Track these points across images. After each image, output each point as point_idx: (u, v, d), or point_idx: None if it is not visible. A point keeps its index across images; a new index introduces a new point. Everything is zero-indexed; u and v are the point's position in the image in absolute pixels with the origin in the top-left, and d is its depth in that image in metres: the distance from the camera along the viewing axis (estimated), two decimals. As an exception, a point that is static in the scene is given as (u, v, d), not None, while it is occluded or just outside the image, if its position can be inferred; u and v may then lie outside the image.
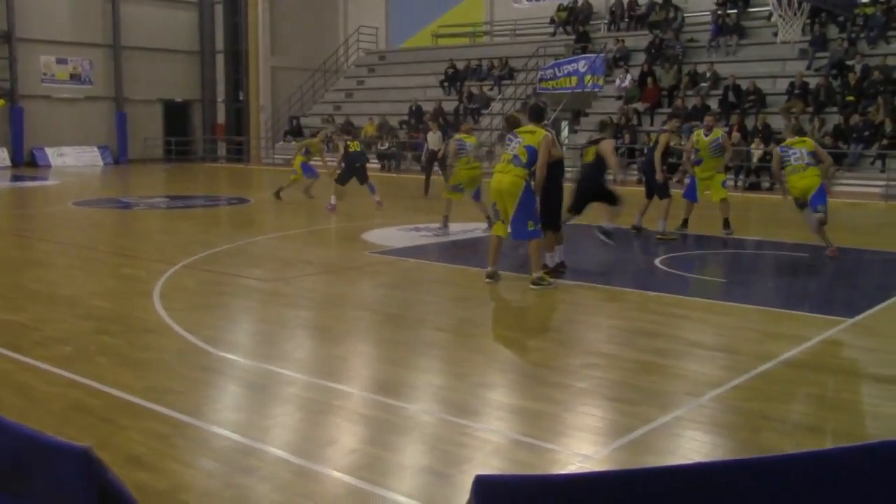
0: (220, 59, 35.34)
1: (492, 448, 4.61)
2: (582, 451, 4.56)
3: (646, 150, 23.05)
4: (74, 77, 32.47)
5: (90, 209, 16.66)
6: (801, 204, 10.78)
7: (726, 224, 12.46)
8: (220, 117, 35.84)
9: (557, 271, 9.19)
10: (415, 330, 7.30)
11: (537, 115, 9.04)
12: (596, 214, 11.57)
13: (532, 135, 8.64)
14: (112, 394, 5.35)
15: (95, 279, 9.66)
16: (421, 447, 4.68)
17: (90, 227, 14.31)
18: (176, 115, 35.49)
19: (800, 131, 11.95)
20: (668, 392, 5.53)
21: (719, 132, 12.60)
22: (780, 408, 5.30)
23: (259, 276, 9.46)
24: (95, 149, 32.54)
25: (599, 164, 10.65)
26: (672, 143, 14.13)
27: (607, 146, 10.32)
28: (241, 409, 5.30)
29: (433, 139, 19.66)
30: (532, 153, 8.51)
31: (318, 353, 6.64)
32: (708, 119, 12.97)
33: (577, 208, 10.95)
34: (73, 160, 31.33)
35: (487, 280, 8.86)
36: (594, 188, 10.68)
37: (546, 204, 8.92)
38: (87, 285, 9.13)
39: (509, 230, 8.63)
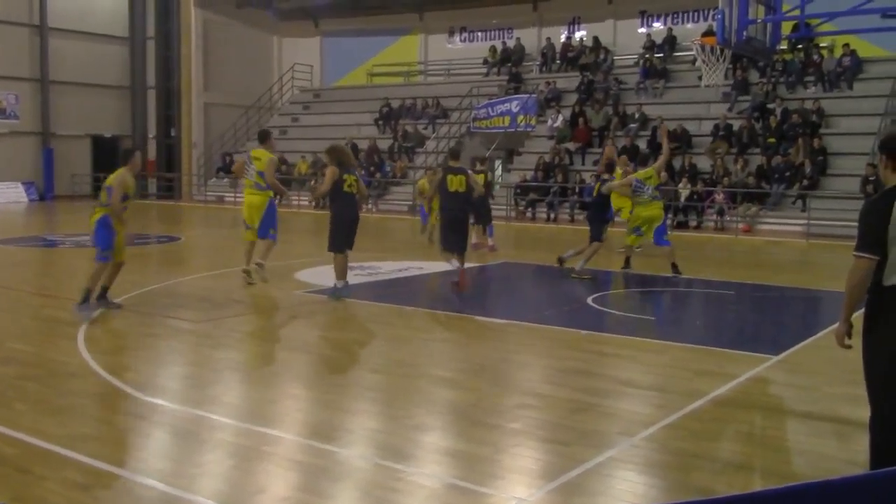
0: (151, 95, 34.85)
1: (426, 494, 4.57)
2: (517, 494, 4.55)
3: (584, 193, 23.48)
4: (-1, 111, 31.67)
5: (13, 247, 16.17)
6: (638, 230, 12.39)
7: (626, 263, 13.08)
8: (151, 153, 35.27)
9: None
10: (348, 371, 7.22)
11: (454, 154, 11.57)
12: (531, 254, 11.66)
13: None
14: (30, 442, 5.15)
15: (16, 321, 9.33)
16: (355, 493, 4.61)
17: (12, 266, 13.87)
18: (105, 151, 34.69)
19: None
20: (602, 432, 5.56)
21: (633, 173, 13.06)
22: (710, 446, 5.38)
23: (188, 317, 9.26)
24: (20, 185, 31.65)
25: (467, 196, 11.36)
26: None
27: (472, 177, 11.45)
28: (168, 456, 5.15)
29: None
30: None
31: (249, 396, 6.51)
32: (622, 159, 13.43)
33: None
34: (-3, 197, 30.45)
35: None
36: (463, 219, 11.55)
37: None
38: (6, 327, 8.81)
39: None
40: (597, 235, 12.63)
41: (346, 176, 10.31)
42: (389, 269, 12.77)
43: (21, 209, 28.55)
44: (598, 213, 12.81)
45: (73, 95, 33.15)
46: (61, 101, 32.84)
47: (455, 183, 11.08)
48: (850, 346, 4.46)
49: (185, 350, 8.06)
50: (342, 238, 10.42)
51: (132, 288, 10.95)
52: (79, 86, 33.31)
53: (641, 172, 12.82)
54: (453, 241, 11.11)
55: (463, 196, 11.12)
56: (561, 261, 12.92)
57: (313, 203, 26.31)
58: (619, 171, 13.53)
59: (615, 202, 13.94)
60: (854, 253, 4.29)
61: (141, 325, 8.87)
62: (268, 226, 11.14)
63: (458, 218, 11.18)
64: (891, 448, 4.19)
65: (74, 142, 33.62)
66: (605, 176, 13.01)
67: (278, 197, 12.40)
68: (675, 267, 12.42)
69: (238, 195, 29.45)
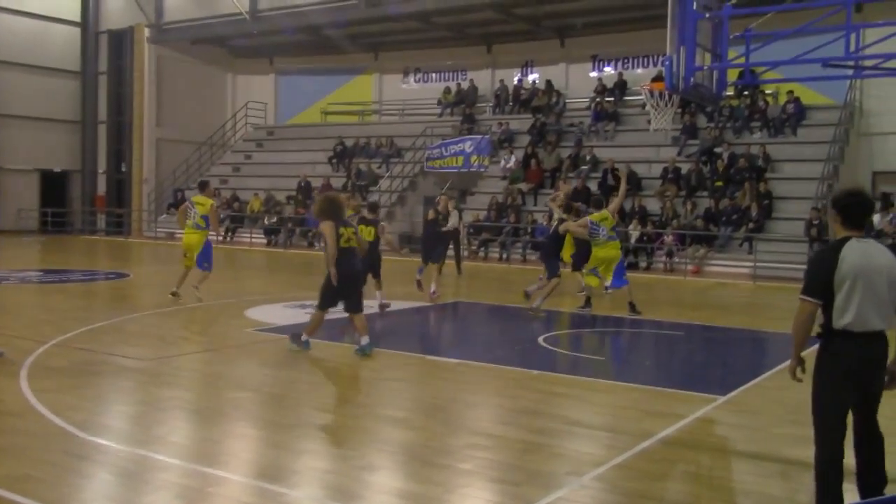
0: (102, 130, 34.49)
1: (374, 534, 4.51)
2: (465, 534, 4.52)
3: (536, 233, 23.68)
4: (-57, 144, 31.03)
5: (-46, 283, 15.76)
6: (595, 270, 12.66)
7: (586, 303, 13.13)
8: (101, 189, 34.81)
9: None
10: (296, 410, 7.15)
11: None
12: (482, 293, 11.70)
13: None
14: (-33, 484, 4.99)
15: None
16: (300, 535, 4.54)
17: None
18: (53, 186, 34.24)
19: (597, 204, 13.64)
20: (551, 472, 5.57)
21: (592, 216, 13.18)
22: (659, 486, 5.41)
23: (135, 355, 9.10)
24: (-36, 218, 31.01)
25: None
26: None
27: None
28: (110, 497, 5.03)
29: (453, 217, 19.32)
30: None
31: (195, 436, 6.40)
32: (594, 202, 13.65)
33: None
34: (-61, 230, 29.73)
35: None
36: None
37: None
38: (-55, 365, 8.56)
39: None
40: (554, 271, 12.86)
41: (342, 230, 9.19)
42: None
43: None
44: (555, 250, 13.00)
45: (21, 129, 32.67)
46: (10, 134, 32.33)
47: (365, 234, 11.27)
48: (800, 380, 4.77)
49: (130, 388, 7.90)
50: (332, 298, 9.36)
51: (78, 325, 10.74)
52: (29, 119, 32.86)
53: (596, 215, 12.99)
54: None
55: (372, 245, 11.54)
56: (527, 294, 13.08)
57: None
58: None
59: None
60: (800, 296, 4.64)
61: (86, 363, 8.69)
62: (202, 259, 13.32)
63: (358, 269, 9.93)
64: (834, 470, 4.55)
65: (22, 176, 33.06)
66: (563, 215, 13.20)
67: (218, 235, 14.35)
68: (632, 306, 12.59)
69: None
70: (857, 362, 4.51)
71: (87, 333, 10.31)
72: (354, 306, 9.42)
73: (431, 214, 15.24)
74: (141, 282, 17.41)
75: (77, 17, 34.61)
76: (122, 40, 33.40)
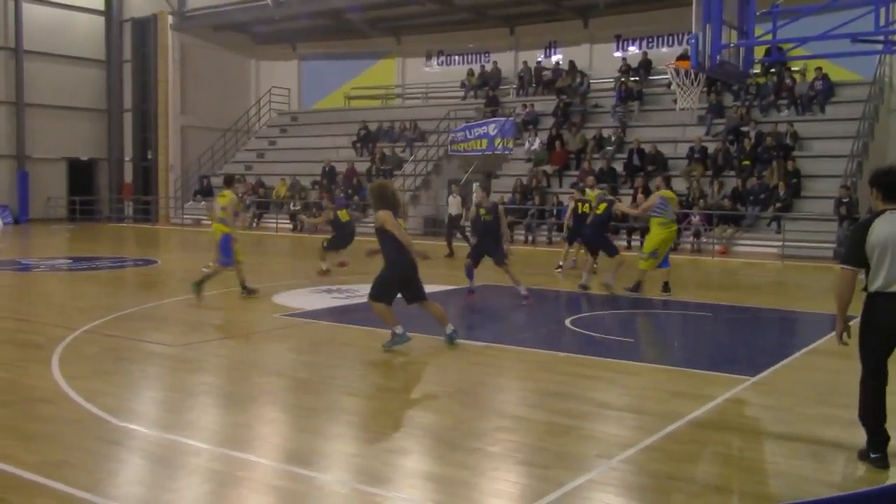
0: (127, 118, 34.75)
1: (403, 517, 4.53)
2: (494, 517, 4.53)
3: (561, 215, 23.58)
4: (-27, 134, 31.40)
5: (-14, 271, 15.98)
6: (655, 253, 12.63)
7: (636, 285, 12.94)
8: (128, 176, 35.11)
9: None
10: (324, 395, 7.18)
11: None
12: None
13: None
14: (3, 469, 5.07)
15: (-11, 346, 9.21)
16: (330, 518, 4.56)
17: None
18: (81, 174, 34.59)
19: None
20: (579, 455, 5.56)
21: (657, 193, 13.03)
22: (688, 468, 5.38)
23: (164, 341, 9.19)
24: (-6, 208, 31.41)
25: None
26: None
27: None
28: (142, 482, 5.09)
29: (454, 203, 19.82)
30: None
31: (224, 421, 6.46)
32: (657, 180, 13.55)
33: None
34: (-30, 220, 30.11)
35: None
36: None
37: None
38: (-21, 352, 8.69)
39: None
40: (614, 250, 13.26)
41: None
42: (367, 291, 12.72)
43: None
44: (604, 231, 13.50)
45: (48, 118, 32.97)
46: (37, 124, 32.64)
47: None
48: (846, 344, 5.42)
49: (160, 374, 7.98)
50: (390, 290, 8.87)
51: (107, 312, 10.85)
52: (55, 109, 33.15)
53: (666, 192, 12.87)
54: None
55: None
56: (607, 285, 12.93)
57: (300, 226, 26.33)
58: (591, 192, 13.80)
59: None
60: (839, 265, 5.52)
61: (116, 350, 8.79)
62: (221, 253, 12.35)
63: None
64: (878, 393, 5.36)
65: (50, 165, 33.40)
66: (611, 197, 13.33)
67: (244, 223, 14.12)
68: (666, 285, 12.71)
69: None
70: (889, 319, 5.22)
71: (116, 320, 10.42)
72: (418, 295, 8.96)
73: (474, 211, 14.60)
74: (169, 268, 17.55)
75: (101, 6, 34.81)
76: (145, 28, 33.55)
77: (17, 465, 5.11)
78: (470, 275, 13.01)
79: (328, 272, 15.14)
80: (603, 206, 13.17)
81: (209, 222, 14.19)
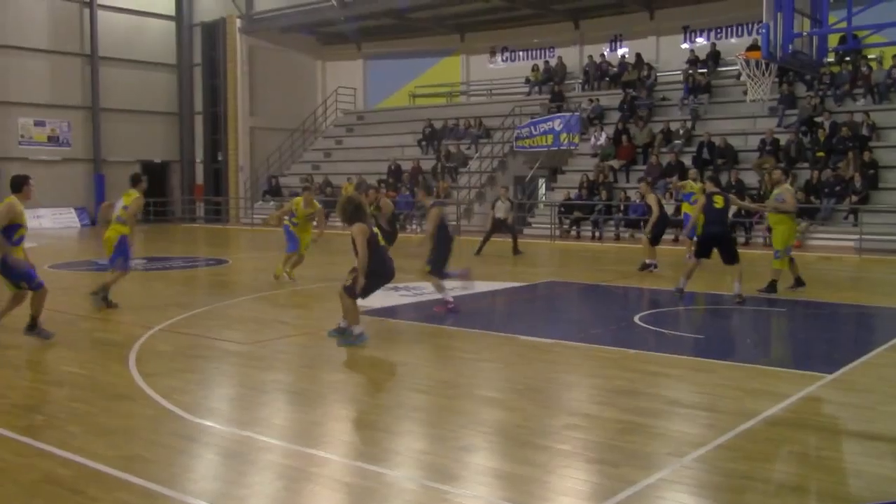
0: (198, 120, 35.54)
1: (473, 515, 4.53)
2: (565, 516, 4.49)
3: (630, 210, 23.31)
4: (52, 139, 32.48)
5: (65, 272, 16.51)
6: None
7: (770, 285, 12.47)
8: (199, 178, 35.89)
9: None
10: (394, 392, 7.22)
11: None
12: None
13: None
14: (83, 463, 5.23)
15: (68, 344, 9.49)
16: (401, 515, 4.58)
17: (65, 290, 14.13)
18: (154, 176, 35.34)
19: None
20: (651, 453, 5.48)
21: (783, 188, 12.62)
22: (763, 467, 5.26)
23: (236, 339, 9.36)
24: (73, 210, 32.38)
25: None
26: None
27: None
28: (217, 477, 5.19)
29: (502, 208, 19.56)
30: None
31: (296, 417, 6.54)
32: (776, 174, 13.08)
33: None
34: (50, 222, 31.06)
35: None
36: None
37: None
38: (58, 351, 8.96)
39: None
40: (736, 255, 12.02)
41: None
42: (432, 288, 12.76)
43: (73, 234, 29.19)
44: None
45: (122, 122, 33.93)
46: (112, 127, 33.62)
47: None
48: None
49: (232, 372, 8.13)
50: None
51: (181, 311, 11.10)
52: (128, 113, 34.08)
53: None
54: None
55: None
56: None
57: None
58: (696, 185, 13.42)
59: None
60: None
61: (190, 348, 8.98)
62: (115, 255, 11.38)
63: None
64: None
65: (125, 167, 34.24)
66: (715, 189, 12.39)
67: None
68: (799, 280, 12.71)
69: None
70: None
71: (190, 318, 10.65)
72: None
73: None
74: (239, 267, 17.87)
75: (171, 12, 35.65)
76: (214, 32, 34.24)
77: (96, 460, 5.25)
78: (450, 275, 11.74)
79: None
80: (720, 199, 12.07)
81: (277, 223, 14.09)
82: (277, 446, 5.68)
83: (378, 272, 8.90)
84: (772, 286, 12.44)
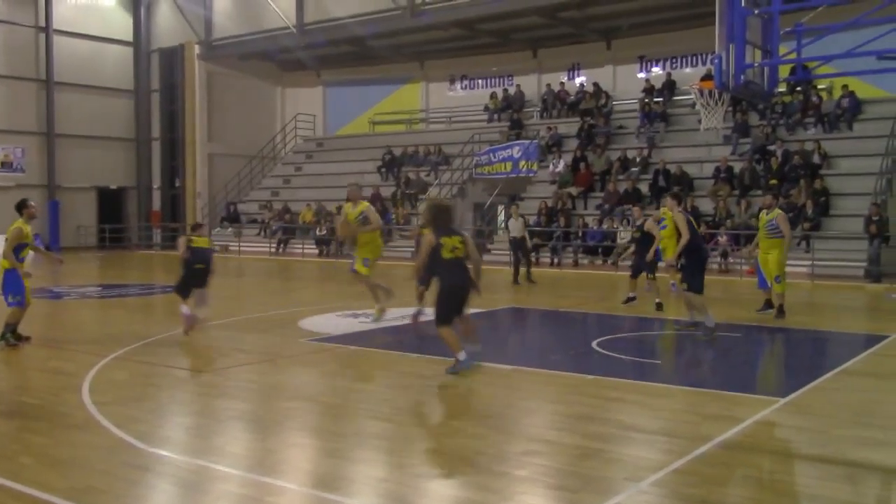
0: (156, 146, 35.25)
1: (432, 542, 4.51)
2: (523, 542, 4.49)
3: (587, 237, 23.52)
4: (6, 165, 32.00)
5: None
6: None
7: (779, 309, 12.74)
8: (156, 204, 35.53)
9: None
10: (352, 420, 7.18)
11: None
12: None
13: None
14: (34, 496, 5.12)
15: (20, 373, 9.33)
16: (359, 543, 4.55)
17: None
18: (110, 202, 35.09)
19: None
20: (609, 478, 5.51)
21: (776, 213, 12.83)
22: (720, 491, 5.32)
23: (193, 367, 9.25)
24: (25, 237, 31.81)
25: None
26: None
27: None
28: (172, 508, 5.11)
29: (516, 226, 18.83)
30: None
31: (253, 446, 6.47)
32: (767, 199, 13.36)
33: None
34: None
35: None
36: None
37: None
38: (11, 380, 8.80)
39: None
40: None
41: (443, 239, 8.56)
42: (393, 315, 12.75)
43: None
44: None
45: (78, 148, 33.55)
46: (67, 153, 33.23)
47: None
48: None
49: (188, 400, 8.03)
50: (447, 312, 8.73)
51: (137, 339, 10.95)
52: (84, 138, 33.73)
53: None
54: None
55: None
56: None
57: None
58: (776, 210, 12.97)
59: (664, 243, 13.63)
60: None
61: (145, 376, 8.85)
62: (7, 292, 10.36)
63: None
64: None
65: (80, 194, 33.90)
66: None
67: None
68: (779, 308, 12.80)
69: (242, 244, 29.61)
70: None
71: (145, 346, 10.50)
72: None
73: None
74: (197, 295, 17.65)
75: (129, 37, 35.44)
76: (173, 58, 34.09)
77: (48, 491, 5.15)
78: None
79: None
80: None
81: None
82: (234, 475, 5.61)
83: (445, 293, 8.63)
84: (780, 311, 12.73)
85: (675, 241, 12.17)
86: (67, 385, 8.28)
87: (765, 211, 13.02)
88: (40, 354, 10.32)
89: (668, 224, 13.31)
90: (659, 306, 13.41)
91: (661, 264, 14.08)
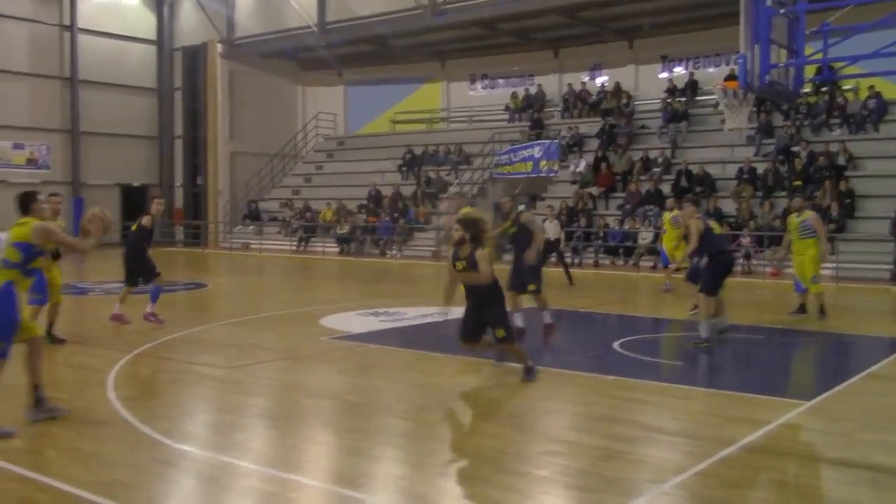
0: (178, 144, 35.47)
1: (453, 541, 4.52)
2: (545, 542, 4.48)
3: (608, 237, 23.41)
4: (31, 162, 32.28)
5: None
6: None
7: (820, 310, 12.76)
8: (178, 201, 35.75)
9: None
10: (373, 418, 7.20)
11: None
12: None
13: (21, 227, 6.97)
14: (61, 489, 5.17)
15: (47, 369, 9.35)
16: (381, 541, 4.56)
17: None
18: (133, 200, 35.24)
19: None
20: (630, 479, 5.49)
21: (808, 214, 12.87)
22: (742, 494, 5.29)
23: (215, 364, 9.30)
24: (49, 233, 32.11)
25: None
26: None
27: None
28: (196, 502, 5.14)
29: (551, 228, 18.62)
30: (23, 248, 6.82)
31: (275, 442, 6.50)
32: (796, 201, 13.36)
33: None
34: (26, 245, 30.78)
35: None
36: None
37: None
38: (36, 375, 8.86)
39: None
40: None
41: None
42: (414, 314, 12.77)
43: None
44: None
45: (102, 146, 33.81)
46: (91, 151, 33.49)
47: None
48: None
49: (211, 396, 8.08)
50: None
51: (160, 334, 11.02)
52: (108, 136, 33.98)
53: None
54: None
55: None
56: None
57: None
58: (807, 212, 13.02)
59: (668, 244, 13.60)
60: None
61: (168, 372, 8.92)
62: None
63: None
64: None
65: (104, 191, 34.14)
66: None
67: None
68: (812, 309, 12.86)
69: (264, 242, 29.75)
70: None
71: (168, 343, 10.58)
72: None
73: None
74: (218, 292, 17.78)
75: (153, 36, 35.66)
76: (195, 57, 34.26)
77: (74, 485, 5.20)
78: None
79: None
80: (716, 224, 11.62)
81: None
82: (256, 471, 5.65)
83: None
84: (822, 311, 12.73)
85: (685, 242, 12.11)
86: (92, 380, 8.36)
87: (795, 214, 12.92)
88: (66, 350, 10.41)
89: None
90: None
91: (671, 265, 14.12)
